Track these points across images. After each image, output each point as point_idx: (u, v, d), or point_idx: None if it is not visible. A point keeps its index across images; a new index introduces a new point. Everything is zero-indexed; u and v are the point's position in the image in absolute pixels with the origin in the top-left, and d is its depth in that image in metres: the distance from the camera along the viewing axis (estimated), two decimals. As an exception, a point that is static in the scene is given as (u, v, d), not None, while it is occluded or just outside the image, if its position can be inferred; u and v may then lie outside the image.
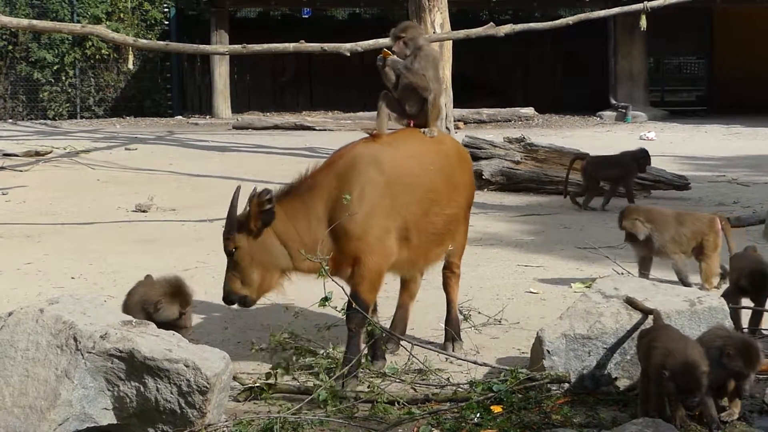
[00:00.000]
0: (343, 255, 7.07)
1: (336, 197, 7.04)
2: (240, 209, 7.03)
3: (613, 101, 31.30)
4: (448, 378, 6.85)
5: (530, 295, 9.53)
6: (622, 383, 6.63)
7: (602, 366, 6.64)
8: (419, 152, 7.45)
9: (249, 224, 6.99)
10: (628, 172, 14.44)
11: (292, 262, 7.11)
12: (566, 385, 6.60)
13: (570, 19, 18.06)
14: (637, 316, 6.69)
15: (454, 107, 20.02)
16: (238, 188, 7.08)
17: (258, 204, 6.91)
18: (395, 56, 7.61)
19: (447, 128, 19.32)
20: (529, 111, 30.39)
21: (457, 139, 7.97)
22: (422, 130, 7.62)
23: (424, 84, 7.56)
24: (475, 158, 16.28)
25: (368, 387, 6.65)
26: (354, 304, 7.00)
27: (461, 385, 6.68)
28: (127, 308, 6.75)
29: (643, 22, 19.17)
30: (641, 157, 14.54)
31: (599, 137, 25.12)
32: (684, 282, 9.37)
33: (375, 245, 7.08)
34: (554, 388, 6.58)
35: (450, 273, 7.95)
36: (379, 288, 7.23)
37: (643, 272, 9.59)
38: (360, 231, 7.02)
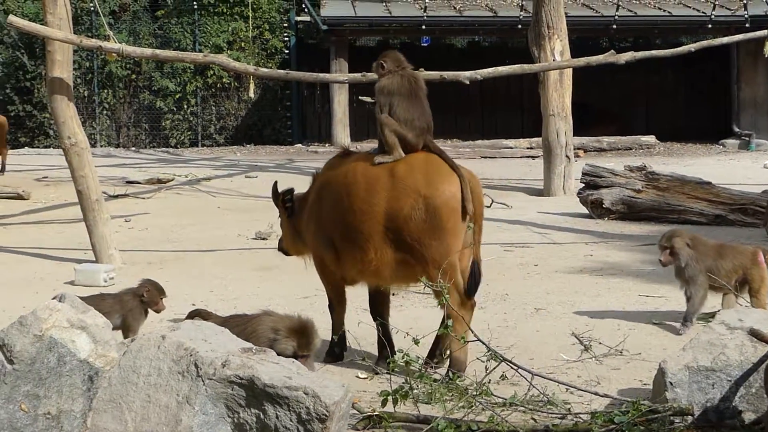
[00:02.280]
0: None
1: (310, 205, 8.31)
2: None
3: (736, 129, 30.82)
4: (569, 409, 6.77)
5: (652, 326, 9.40)
6: (748, 417, 6.49)
7: (727, 399, 6.52)
8: (343, 173, 7.97)
9: (280, 210, 8.73)
10: None
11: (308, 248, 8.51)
12: (690, 418, 6.48)
13: (692, 46, 17.75)
14: (762, 348, 6.55)
15: (573, 135, 19.91)
16: (275, 183, 8.79)
17: (282, 201, 8.61)
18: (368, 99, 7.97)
19: (567, 156, 19.22)
20: (650, 139, 30.08)
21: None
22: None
23: (376, 116, 7.90)
24: (596, 187, 16.25)
25: (488, 417, 6.60)
26: None
27: (582, 416, 6.61)
28: (254, 332, 6.82)
29: (767, 49, 18.84)
30: None
31: (722, 165, 24.74)
32: (687, 317, 9.17)
33: (313, 250, 8.33)
34: (677, 420, 6.48)
35: None
36: (331, 284, 8.29)
37: None
38: (307, 237, 8.36)
